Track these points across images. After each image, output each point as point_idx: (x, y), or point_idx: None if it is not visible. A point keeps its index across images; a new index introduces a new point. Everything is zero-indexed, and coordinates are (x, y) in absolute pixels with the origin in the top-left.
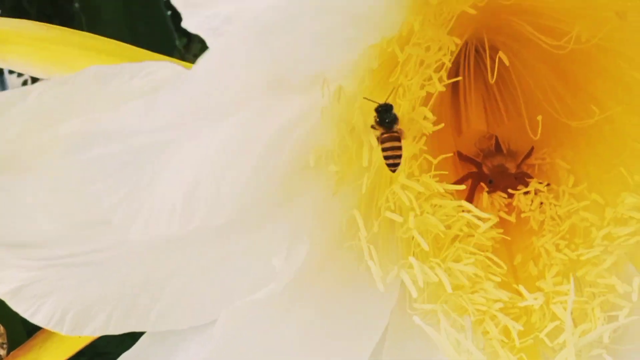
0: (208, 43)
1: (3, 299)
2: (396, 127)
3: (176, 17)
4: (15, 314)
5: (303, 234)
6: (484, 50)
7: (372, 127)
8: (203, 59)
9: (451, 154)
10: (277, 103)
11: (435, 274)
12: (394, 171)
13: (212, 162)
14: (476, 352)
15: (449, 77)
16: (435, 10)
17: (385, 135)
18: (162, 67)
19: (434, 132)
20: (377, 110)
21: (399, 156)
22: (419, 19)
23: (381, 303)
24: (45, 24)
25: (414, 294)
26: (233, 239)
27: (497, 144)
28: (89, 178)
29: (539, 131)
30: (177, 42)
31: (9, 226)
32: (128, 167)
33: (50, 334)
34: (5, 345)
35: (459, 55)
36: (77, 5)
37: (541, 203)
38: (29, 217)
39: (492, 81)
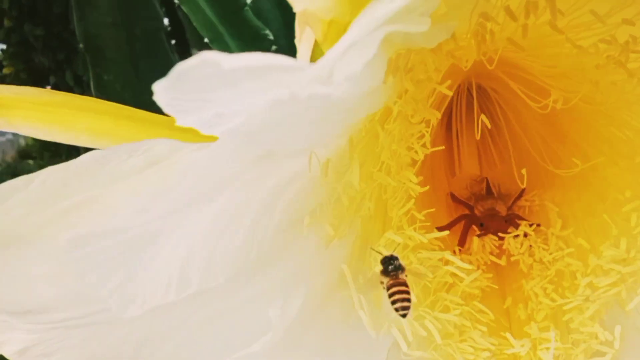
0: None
1: (10, 359)
2: (402, 275)
3: (179, 50)
4: None
5: (298, 285)
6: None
7: (381, 275)
8: (195, 154)
9: (434, 210)
10: (267, 171)
11: (424, 327)
12: (404, 316)
13: (205, 235)
14: None
15: (442, 119)
16: (414, 91)
17: (391, 282)
18: (158, 144)
19: (429, 172)
20: (382, 261)
21: (408, 300)
22: (399, 102)
23: (377, 344)
24: (47, 90)
25: (404, 348)
26: (229, 296)
27: (488, 187)
28: (83, 271)
29: (525, 180)
30: None
31: (13, 295)
32: (121, 258)
33: None
34: None
35: (452, 98)
36: (81, 45)
37: (530, 246)
38: (32, 287)
39: (478, 137)
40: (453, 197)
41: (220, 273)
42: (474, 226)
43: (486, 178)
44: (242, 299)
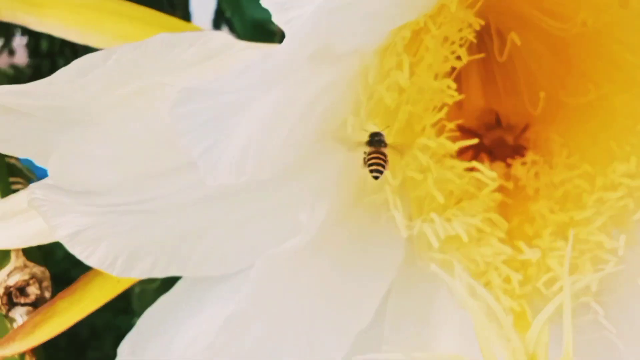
0: (274, 18)
1: (61, 242)
2: (384, 149)
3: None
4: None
5: (328, 189)
6: (488, 33)
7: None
8: (289, 33)
9: (461, 121)
10: (315, 71)
11: (452, 227)
12: (376, 178)
13: (262, 122)
14: (486, 295)
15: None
16: None
17: (372, 150)
18: (215, 37)
19: None
20: (369, 136)
21: (383, 165)
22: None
23: (392, 255)
24: None
25: (435, 245)
26: (266, 195)
27: (498, 119)
28: (182, 130)
29: (539, 106)
30: None
31: (75, 175)
32: (214, 121)
33: (91, 278)
34: (50, 288)
35: None
36: None
37: (537, 172)
38: (95, 168)
39: (501, 60)
40: (461, 128)
41: (266, 167)
42: (482, 154)
43: (496, 110)
44: (277, 201)
